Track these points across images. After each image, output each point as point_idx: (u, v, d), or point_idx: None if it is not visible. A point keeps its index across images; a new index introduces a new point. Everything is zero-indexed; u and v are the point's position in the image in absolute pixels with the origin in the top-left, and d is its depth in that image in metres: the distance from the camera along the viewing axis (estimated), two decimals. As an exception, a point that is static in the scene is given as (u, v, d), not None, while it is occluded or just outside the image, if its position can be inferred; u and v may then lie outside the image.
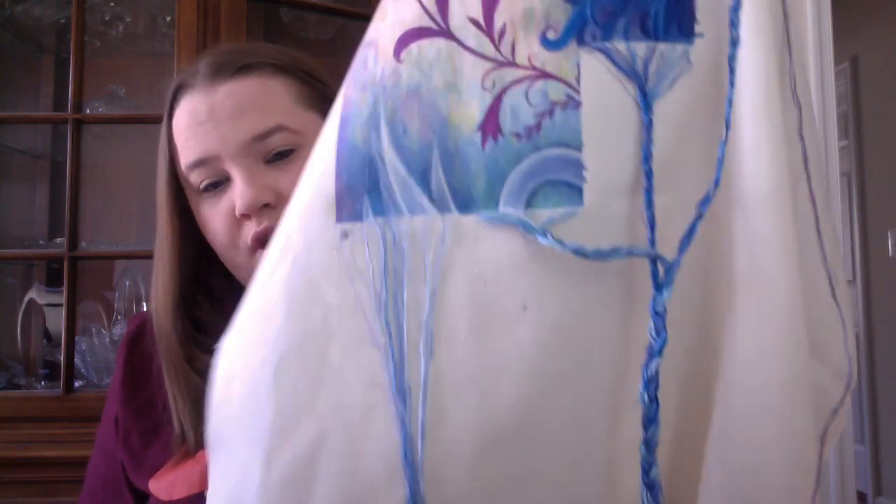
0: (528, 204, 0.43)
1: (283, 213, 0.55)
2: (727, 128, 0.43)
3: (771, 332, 0.42)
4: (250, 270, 0.60)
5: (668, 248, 0.43)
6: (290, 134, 0.65)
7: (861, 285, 3.44)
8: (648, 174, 0.43)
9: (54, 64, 1.64)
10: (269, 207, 0.63)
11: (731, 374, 0.43)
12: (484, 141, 0.43)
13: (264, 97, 0.65)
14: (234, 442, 0.45)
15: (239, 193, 0.63)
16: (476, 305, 0.43)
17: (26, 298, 1.55)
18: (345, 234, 0.44)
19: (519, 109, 0.43)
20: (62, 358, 1.31)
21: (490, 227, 0.43)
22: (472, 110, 0.43)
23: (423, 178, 0.44)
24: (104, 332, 1.45)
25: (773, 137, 0.42)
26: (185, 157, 0.66)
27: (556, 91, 0.43)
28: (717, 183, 0.43)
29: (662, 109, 0.43)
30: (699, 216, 0.43)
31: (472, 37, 0.43)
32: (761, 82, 0.42)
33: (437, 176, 0.43)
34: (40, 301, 1.54)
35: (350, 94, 0.46)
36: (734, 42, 0.43)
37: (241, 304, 0.47)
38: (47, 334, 1.56)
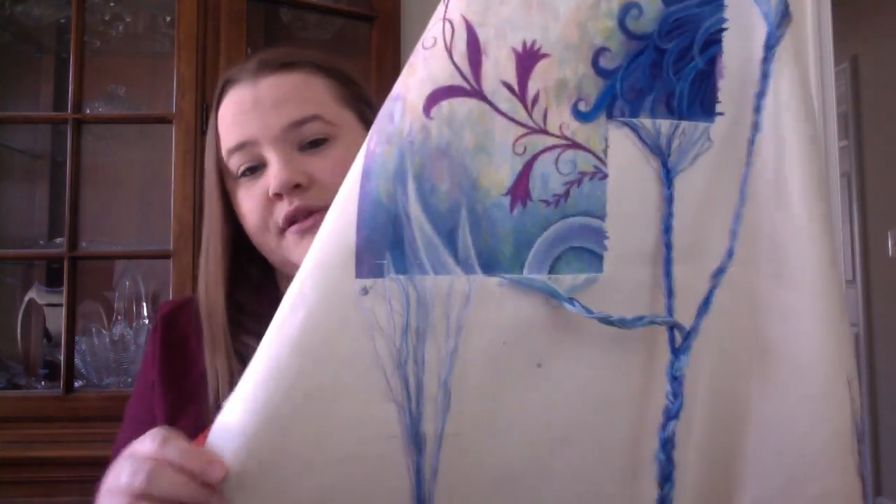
0: (552, 269, 0.44)
1: (314, 195, 0.61)
2: (742, 202, 0.45)
3: (811, 401, 0.44)
4: (280, 254, 0.67)
5: (686, 317, 0.45)
6: (325, 124, 0.69)
7: (861, 285, 3.44)
8: (668, 246, 0.45)
9: (54, 64, 1.64)
10: (301, 189, 0.67)
11: (765, 439, 0.45)
12: (513, 205, 0.44)
13: (304, 91, 0.70)
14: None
15: (274, 174, 0.67)
16: (494, 363, 0.44)
17: (26, 298, 1.55)
18: (365, 290, 0.44)
19: (549, 177, 0.44)
20: (62, 358, 1.31)
21: (514, 290, 0.44)
22: (502, 174, 0.44)
23: (450, 239, 0.44)
24: (104, 332, 1.45)
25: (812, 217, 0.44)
26: (227, 142, 0.70)
27: (585, 162, 0.44)
28: (730, 254, 0.45)
29: (683, 184, 0.45)
30: (714, 286, 0.45)
31: (505, 100, 0.44)
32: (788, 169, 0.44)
33: (464, 237, 0.44)
34: (40, 301, 1.54)
35: (374, 148, 0.45)
36: (756, 126, 0.45)
37: (254, 358, 0.46)
38: (47, 334, 1.56)
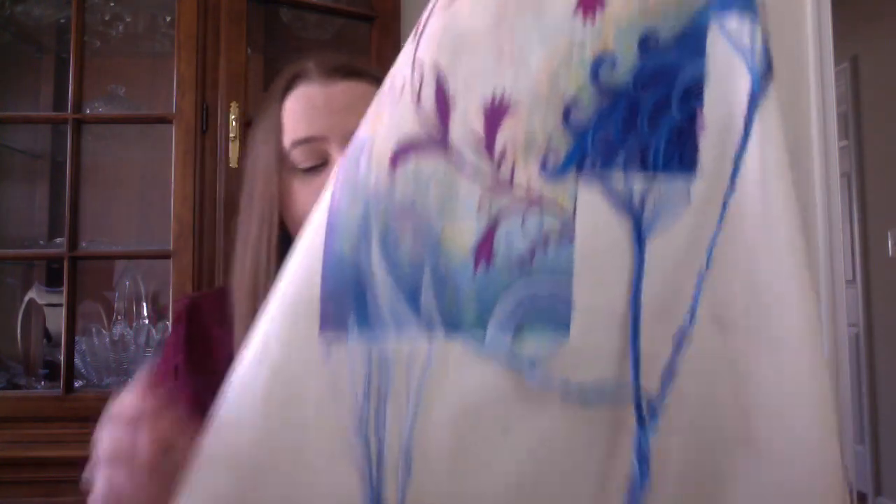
0: (516, 332, 0.42)
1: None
2: (707, 267, 0.43)
3: (808, 459, 0.42)
4: None
5: (654, 382, 0.43)
6: None
7: (861, 285, 3.44)
8: (636, 312, 0.43)
9: (54, 64, 1.64)
10: None
11: (754, 496, 0.43)
12: (476, 265, 0.42)
13: (370, 100, 0.71)
14: None
15: None
16: (457, 429, 0.43)
17: (26, 298, 1.55)
18: (328, 351, 0.43)
19: (513, 237, 0.42)
20: (62, 358, 1.31)
21: (476, 355, 0.43)
22: (466, 233, 0.43)
23: (413, 297, 0.43)
24: (104, 332, 1.45)
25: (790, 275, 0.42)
26: (294, 133, 0.73)
27: (552, 222, 0.42)
28: (692, 318, 0.43)
29: (657, 245, 0.43)
30: (676, 352, 0.43)
31: (472, 155, 0.43)
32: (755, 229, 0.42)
33: (427, 296, 0.43)
34: (40, 301, 1.54)
35: (339, 199, 0.45)
36: (732, 186, 0.42)
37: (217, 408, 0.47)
38: (47, 334, 1.56)
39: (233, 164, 1.32)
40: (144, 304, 1.52)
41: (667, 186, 0.42)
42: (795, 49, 1.85)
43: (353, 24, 1.62)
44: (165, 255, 1.32)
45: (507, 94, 0.42)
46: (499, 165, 0.43)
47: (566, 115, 0.42)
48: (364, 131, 0.45)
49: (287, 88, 0.76)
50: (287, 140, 0.73)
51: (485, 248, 0.43)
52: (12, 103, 1.64)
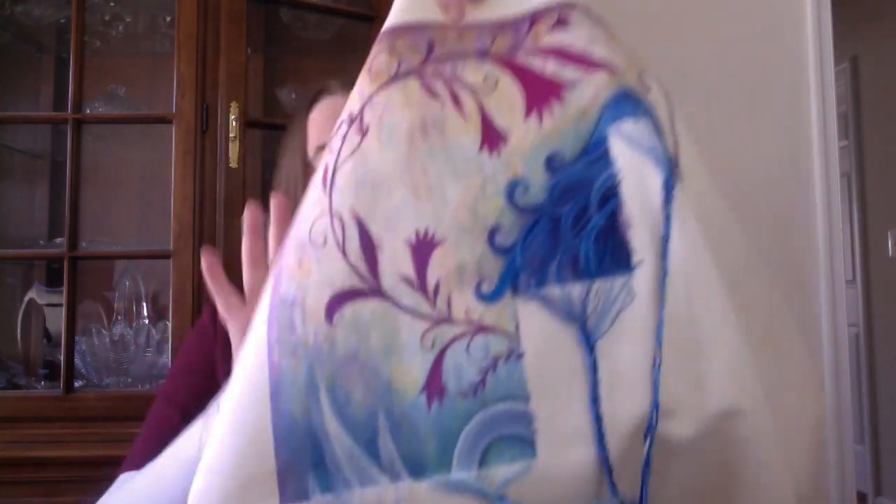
0: (482, 462, 0.41)
1: None
2: (660, 348, 0.42)
3: None
4: None
5: (633, 488, 0.42)
6: None
7: (861, 285, 3.44)
8: (598, 418, 0.42)
9: (54, 64, 1.64)
10: None
11: None
12: (429, 403, 0.42)
13: None
14: None
15: None
16: None
17: (26, 298, 1.55)
18: None
19: (462, 367, 0.42)
20: (62, 358, 1.31)
21: (445, 493, 0.41)
22: (414, 372, 0.42)
23: (371, 447, 0.42)
24: (104, 332, 1.45)
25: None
26: (317, 140, 0.78)
27: (497, 344, 0.42)
28: (656, 407, 0.42)
29: (609, 346, 0.43)
30: (649, 449, 0.42)
31: (407, 295, 0.43)
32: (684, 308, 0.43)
33: (386, 443, 0.42)
34: (40, 301, 1.54)
35: (279, 361, 0.43)
36: (665, 271, 0.43)
37: None
38: (47, 334, 1.56)
39: (233, 164, 1.32)
40: (144, 304, 1.52)
41: (605, 287, 0.43)
42: (795, 49, 1.85)
43: (353, 24, 1.62)
44: (165, 255, 1.32)
45: (430, 230, 0.43)
46: (434, 300, 0.43)
47: (491, 240, 0.43)
48: (288, 287, 0.45)
49: (311, 104, 0.81)
50: (311, 148, 0.78)
51: (435, 384, 0.42)
52: (12, 103, 1.64)
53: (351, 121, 0.47)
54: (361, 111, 0.46)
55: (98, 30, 1.57)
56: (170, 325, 1.30)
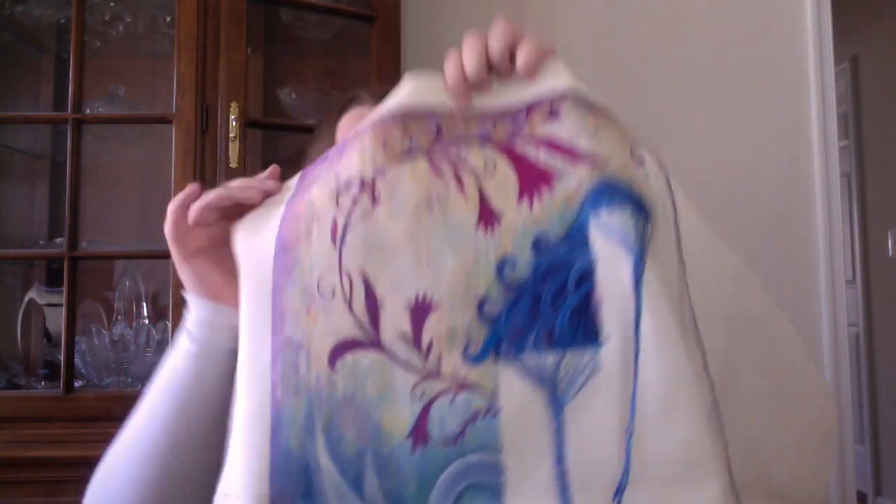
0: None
1: None
2: (632, 420, 0.47)
3: None
4: None
5: None
6: None
7: (861, 285, 3.44)
8: (562, 476, 0.47)
9: (54, 64, 1.64)
10: None
11: None
12: (414, 447, 0.48)
13: None
14: None
15: None
16: None
17: (26, 298, 1.55)
18: None
19: (445, 418, 0.48)
20: (62, 358, 1.31)
21: None
22: (403, 419, 0.48)
23: (357, 484, 0.48)
24: (104, 332, 1.45)
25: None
26: None
27: (478, 401, 0.48)
28: (627, 471, 0.47)
29: (574, 412, 0.48)
30: None
31: (403, 350, 0.49)
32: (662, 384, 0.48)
33: (371, 481, 0.48)
34: (40, 301, 1.54)
35: (281, 398, 0.49)
36: (637, 347, 0.48)
37: None
38: (47, 334, 1.56)
39: (233, 164, 1.32)
40: (144, 304, 1.52)
41: (575, 358, 0.49)
42: (795, 49, 1.85)
43: (353, 24, 1.62)
44: (165, 256, 1.31)
45: (427, 295, 0.50)
46: (426, 356, 0.49)
47: (480, 309, 0.50)
48: (294, 331, 0.50)
49: (341, 111, 0.83)
50: None
51: (420, 431, 0.48)
52: (12, 103, 1.64)
53: (362, 185, 0.51)
54: (374, 181, 0.51)
55: (98, 30, 1.57)
56: (170, 325, 1.30)
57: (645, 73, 1.82)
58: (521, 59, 0.54)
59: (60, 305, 1.36)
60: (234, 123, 1.33)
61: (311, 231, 0.52)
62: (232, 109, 1.33)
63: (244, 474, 0.48)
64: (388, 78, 1.45)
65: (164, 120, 1.36)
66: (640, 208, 0.51)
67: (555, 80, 0.54)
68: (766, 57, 1.84)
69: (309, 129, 1.55)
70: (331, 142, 0.82)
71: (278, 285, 0.51)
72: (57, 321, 1.44)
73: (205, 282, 0.61)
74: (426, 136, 0.52)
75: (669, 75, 1.82)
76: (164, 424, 0.62)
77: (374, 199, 0.51)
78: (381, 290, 0.50)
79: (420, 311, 0.49)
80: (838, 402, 1.79)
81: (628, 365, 0.48)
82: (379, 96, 0.82)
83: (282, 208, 0.54)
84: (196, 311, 0.62)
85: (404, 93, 0.54)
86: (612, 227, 0.49)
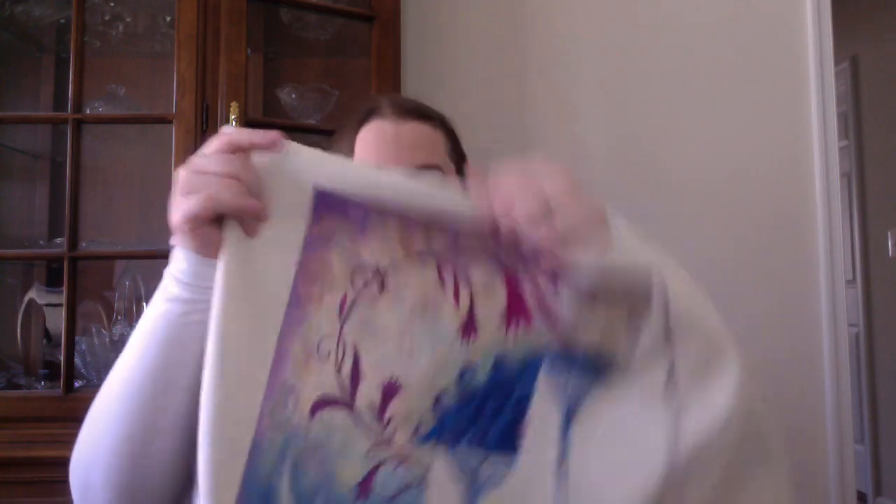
0: None
1: None
2: None
3: None
4: None
5: None
6: (441, 174, 0.86)
7: (861, 285, 3.44)
8: None
9: (54, 64, 1.64)
10: None
11: None
12: (357, 498, 0.58)
13: (434, 142, 0.87)
14: None
15: None
16: None
17: (26, 298, 1.55)
18: None
19: (386, 481, 0.58)
20: (62, 358, 1.31)
21: None
22: (354, 472, 0.58)
23: None
24: (104, 332, 1.45)
25: None
26: (362, 160, 0.85)
27: (413, 474, 0.58)
28: None
29: (487, 502, 0.59)
30: None
31: (368, 417, 0.59)
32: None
33: None
34: (40, 301, 1.54)
35: (265, 429, 0.57)
36: (565, 457, 0.60)
37: None
38: (47, 334, 1.56)
39: (233, 164, 1.32)
40: (144, 304, 1.52)
41: (495, 459, 0.60)
42: (795, 49, 1.85)
43: (353, 24, 1.62)
44: (165, 255, 1.32)
45: (400, 379, 0.59)
46: (385, 427, 0.59)
47: (436, 402, 0.59)
48: (291, 376, 0.58)
49: (362, 122, 0.87)
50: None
51: (365, 486, 0.58)
52: (12, 103, 1.64)
53: (376, 273, 0.60)
54: (386, 273, 0.60)
55: (98, 30, 1.58)
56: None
57: (645, 73, 1.82)
58: (567, 222, 0.57)
59: (60, 305, 1.36)
60: (234, 123, 1.33)
61: (324, 298, 0.59)
62: (232, 109, 1.33)
63: (213, 491, 0.55)
64: (387, 78, 1.45)
65: (164, 120, 1.36)
66: (597, 375, 0.60)
67: (584, 253, 0.58)
68: (766, 57, 1.84)
69: (309, 130, 1.57)
70: (349, 152, 0.86)
71: (286, 331, 0.58)
72: (57, 321, 1.44)
73: (204, 244, 0.61)
74: (443, 241, 0.60)
75: (669, 75, 1.82)
76: (149, 367, 0.63)
77: (381, 289, 0.60)
78: (365, 365, 0.59)
79: (390, 390, 0.59)
80: (838, 402, 1.79)
81: (544, 470, 0.59)
82: (399, 108, 0.86)
83: (301, 237, 0.59)
84: (187, 263, 0.63)
85: (444, 197, 0.60)
86: (556, 385, 0.61)
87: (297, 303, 0.59)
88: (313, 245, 0.60)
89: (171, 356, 0.62)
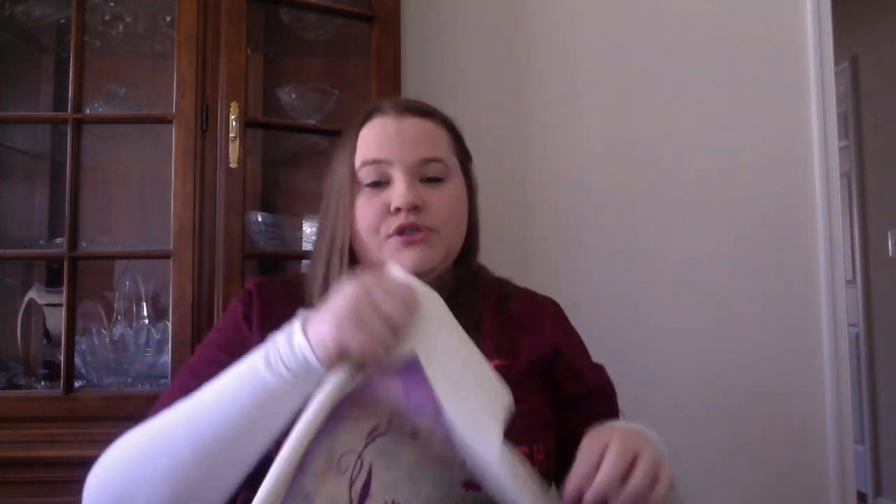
0: None
1: (425, 217, 0.86)
2: None
3: None
4: (378, 254, 0.87)
5: None
6: (444, 167, 0.90)
7: (861, 285, 3.44)
8: None
9: (54, 64, 1.64)
10: (417, 210, 0.87)
11: None
12: None
13: (435, 137, 0.90)
14: None
15: (400, 193, 0.86)
16: None
17: (26, 298, 1.55)
18: None
19: None
20: (62, 358, 1.31)
21: None
22: None
23: None
24: (104, 332, 1.45)
25: None
26: (364, 155, 0.88)
27: None
28: None
29: None
30: None
31: None
32: None
33: None
34: (40, 301, 1.54)
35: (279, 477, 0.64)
36: None
37: None
38: (47, 334, 1.56)
39: (233, 164, 1.32)
40: (144, 304, 1.52)
41: None
42: (795, 49, 1.85)
43: (353, 24, 1.62)
44: (165, 255, 1.32)
45: (397, 501, 0.68)
46: None
47: None
48: (310, 485, 0.64)
49: (363, 121, 0.90)
50: (358, 160, 0.88)
51: None
52: (12, 103, 1.64)
53: (413, 428, 0.68)
54: (420, 432, 0.68)
55: (98, 30, 1.58)
56: (170, 325, 1.30)
57: (645, 73, 1.82)
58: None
59: (60, 305, 1.36)
60: (234, 123, 1.33)
61: (360, 421, 0.67)
62: (232, 109, 1.33)
63: None
64: (387, 78, 1.45)
65: (164, 120, 1.36)
66: None
67: None
68: (766, 57, 1.84)
69: (309, 130, 1.57)
70: (352, 147, 0.89)
71: (316, 441, 0.64)
72: (57, 321, 1.44)
73: (330, 364, 0.67)
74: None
75: (669, 75, 1.82)
76: (235, 419, 0.67)
77: (413, 436, 0.68)
78: (375, 484, 0.67)
79: None
80: (838, 402, 1.79)
81: None
82: (400, 106, 0.90)
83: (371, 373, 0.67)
84: (306, 362, 0.67)
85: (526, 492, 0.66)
86: None
87: (335, 416, 0.65)
88: (375, 385, 0.67)
89: (257, 418, 0.67)
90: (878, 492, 3.29)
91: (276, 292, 0.91)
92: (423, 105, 0.93)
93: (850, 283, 3.40)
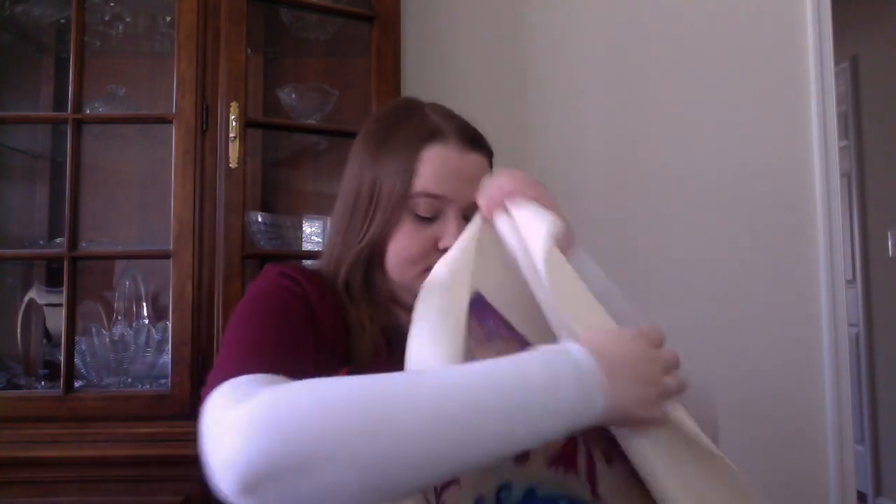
0: None
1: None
2: None
3: None
4: (408, 285, 0.86)
5: None
6: None
7: (861, 285, 3.44)
8: None
9: (54, 64, 1.64)
10: None
11: None
12: None
13: (483, 174, 0.88)
14: None
15: (451, 233, 0.85)
16: None
17: (26, 298, 1.55)
18: None
19: None
20: (62, 358, 1.31)
21: None
22: None
23: None
24: (104, 332, 1.45)
25: None
26: (426, 186, 0.86)
27: None
28: None
29: None
30: None
31: (431, 495, 0.66)
32: None
33: None
34: (40, 301, 1.54)
35: None
36: None
37: None
38: (47, 334, 1.56)
39: (233, 164, 1.32)
40: (144, 304, 1.52)
41: None
42: (795, 49, 1.85)
43: (353, 24, 1.62)
44: (165, 255, 1.32)
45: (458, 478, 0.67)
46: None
47: (476, 500, 0.68)
48: None
49: (426, 140, 0.87)
50: (417, 187, 0.85)
51: None
52: (12, 103, 1.64)
53: None
54: None
55: (98, 30, 1.58)
56: (170, 325, 1.30)
57: (645, 73, 1.82)
58: None
59: (60, 305, 1.36)
60: (234, 123, 1.33)
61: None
62: (232, 109, 1.33)
63: None
64: (387, 78, 1.45)
65: (164, 120, 1.36)
66: None
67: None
68: (766, 57, 1.84)
69: (309, 130, 1.57)
70: (408, 168, 0.86)
71: None
72: (57, 321, 1.44)
73: (656, 423, 0.66)
74: None
75: (670, 75, 1.82)
76: (491, 424, 0.59)
77: None
78: None
79: (449, 482, 0.67)
80: (838, 402, 1.79)
81: None
82: (464, 136, 0.89)
83: None
84: (593, 413, 0.62)
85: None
86: None
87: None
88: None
89: (509, 427, 0.58)
90: (878, 492, 3.29)
91: (311, 279, 0.84)
92: (478, 135, 0.91)
93: (850, 283, 3.40)
